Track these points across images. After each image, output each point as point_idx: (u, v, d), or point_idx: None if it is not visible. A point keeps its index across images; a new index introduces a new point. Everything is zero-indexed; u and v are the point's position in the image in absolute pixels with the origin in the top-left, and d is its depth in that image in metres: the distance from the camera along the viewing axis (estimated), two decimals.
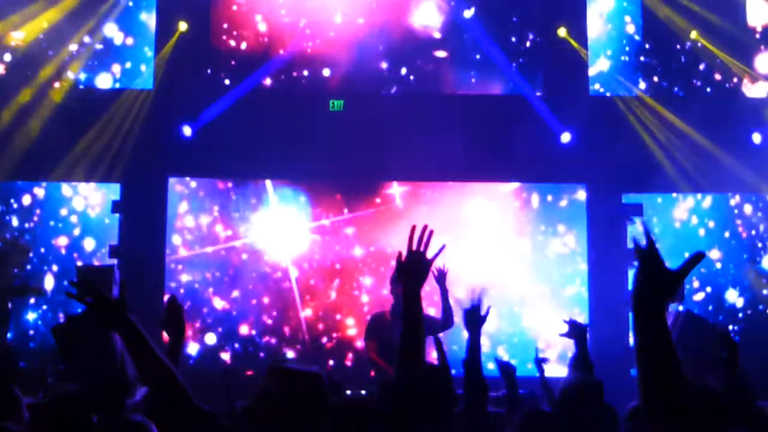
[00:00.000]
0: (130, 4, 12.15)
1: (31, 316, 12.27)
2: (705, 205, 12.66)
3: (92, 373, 9.15)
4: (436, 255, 3.89)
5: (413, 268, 3.87)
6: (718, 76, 12.31)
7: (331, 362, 11.89)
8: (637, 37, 12.47)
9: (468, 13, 11.98)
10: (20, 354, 11.71)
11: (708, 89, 12.35)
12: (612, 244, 11.77)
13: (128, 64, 12.18)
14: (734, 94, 12.32)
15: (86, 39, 11.91)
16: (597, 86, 12.32)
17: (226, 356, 11.94)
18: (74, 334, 9.37)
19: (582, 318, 6.26)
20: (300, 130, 11.55)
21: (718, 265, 12.41)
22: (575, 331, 6.14)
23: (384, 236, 11.95)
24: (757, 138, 11.85)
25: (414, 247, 3.86)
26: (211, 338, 11.96)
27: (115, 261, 11.20)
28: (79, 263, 11.90)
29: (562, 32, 11.89)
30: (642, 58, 12.38)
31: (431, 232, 3.88)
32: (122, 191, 11.67)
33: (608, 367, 11.31)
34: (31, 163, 11.41)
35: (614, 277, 11.65)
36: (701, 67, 12.36)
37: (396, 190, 12.23)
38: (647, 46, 12.36)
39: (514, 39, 12.24)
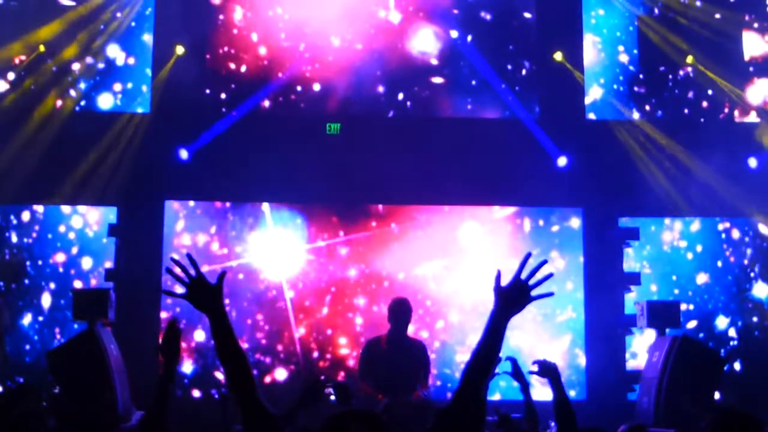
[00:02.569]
0: (133, 24, 12.19)
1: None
2: (693, 229, 12.66)
3: (85, 398, 9.15)
4: (540, 297, 3.65)
5: (513, 297, 3.63)
6: (711, 102, 12.37)
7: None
8: (631, 68, 12.54)
9: (465, 40, 12.04)
10: (17, 368, 11.72)
11: (701, 117, 12.40)
12: (608, 268, 11.78)
13: (129, 85, 12.24)
14: (728, 118, 12.39)
15: (88, 59, 11.98)
16: (591, 115, 12.35)
17: (220, 375, 11.88)
18: (68, 359, 9.36)
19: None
20: (297, 153, 11.56)
21: (706, 296, 12.45)
22: (545, 370, 5.82)
23: (378, 258, 11.97)
24: (752, 163, 11.90)
25: (523, 277, 3.64)
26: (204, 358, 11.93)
27: (111, 284, 11.19)
28: (77, 283, 11.92)
29: (558, 56, 11.94)
30: (636, 89, 12.44)
31: (549, 275, 3.65)
32: (119, 214, 11.65)
33: (604, 390, 11.40)
34: (27, 187, 11.38)
35: (610, 301, 11.65)
36: (690, 94, 12.41)
37: (391, 213, 12.19)
38: (641, 76, 12.43)
39: (510, 67, 12.30)
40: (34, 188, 11.47)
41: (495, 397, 10.27)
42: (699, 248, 12.63)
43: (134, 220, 11.53)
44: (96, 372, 9.23)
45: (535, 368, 5.90)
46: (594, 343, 11.61)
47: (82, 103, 12.13)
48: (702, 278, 12.46)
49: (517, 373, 6.39)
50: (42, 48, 11.75)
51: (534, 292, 3.65)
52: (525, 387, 6.37)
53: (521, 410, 6.51)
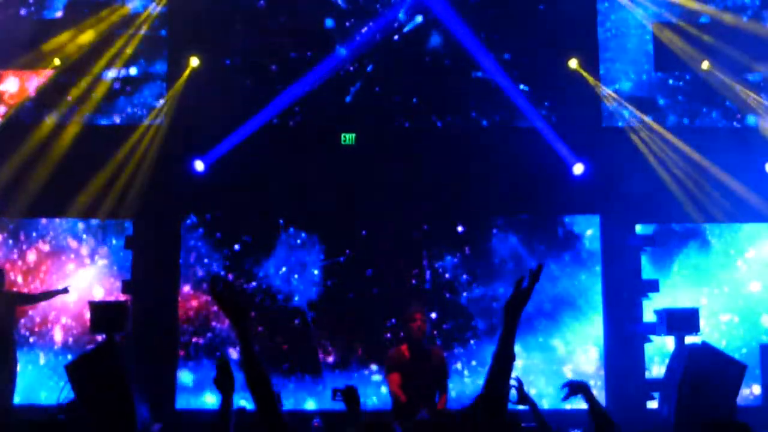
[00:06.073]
0: (131, 51, 12.20)
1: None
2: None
3: (103, 410, 9.14)
4: (532, 283, 4.20)
5: (515, 299, 4.19)
6: (728, 107, 12.30)
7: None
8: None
9: (480, 39, 11.98)
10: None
11: (718, 122, 12.32)
12: (626, 275, 11.72)
13: (129, 110, 12.23)
14: (748, 123, 12.30)
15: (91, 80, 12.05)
16: (613, 104, 12.26)
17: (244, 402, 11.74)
18: (86, 371, 9.37)
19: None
20: (311, 164, 11.56)
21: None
22: (576, 389, 5.78)
23: (402, 270, 11.87)
24: None
25: (524, 285, 4.19)
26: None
27: (128, 297, 11.20)
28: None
29: (573, 64, 11.90)
30: (658, 73, 12.34)
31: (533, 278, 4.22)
32: (134, 227, 11.66)
33: (624, 398, 11.32)
34: (44, 200, 11.47)
35: (629, 308, 11.59)
36: (707, 99, 12.35)
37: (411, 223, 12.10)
38: (659, 74, 12.37)
39: (525, 61, 12.20)
40: (51, 202, 11.57)
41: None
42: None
43: (150, 232, 11.58)
44: (114, 384, 9.24)
45: (564, 392, 5.89)
46: (613, 351, 11.54)
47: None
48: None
49: (523, 398, 6.37)
50: (57, 62, 11.82)
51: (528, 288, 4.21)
52: (533, 408, 6.34)
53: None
